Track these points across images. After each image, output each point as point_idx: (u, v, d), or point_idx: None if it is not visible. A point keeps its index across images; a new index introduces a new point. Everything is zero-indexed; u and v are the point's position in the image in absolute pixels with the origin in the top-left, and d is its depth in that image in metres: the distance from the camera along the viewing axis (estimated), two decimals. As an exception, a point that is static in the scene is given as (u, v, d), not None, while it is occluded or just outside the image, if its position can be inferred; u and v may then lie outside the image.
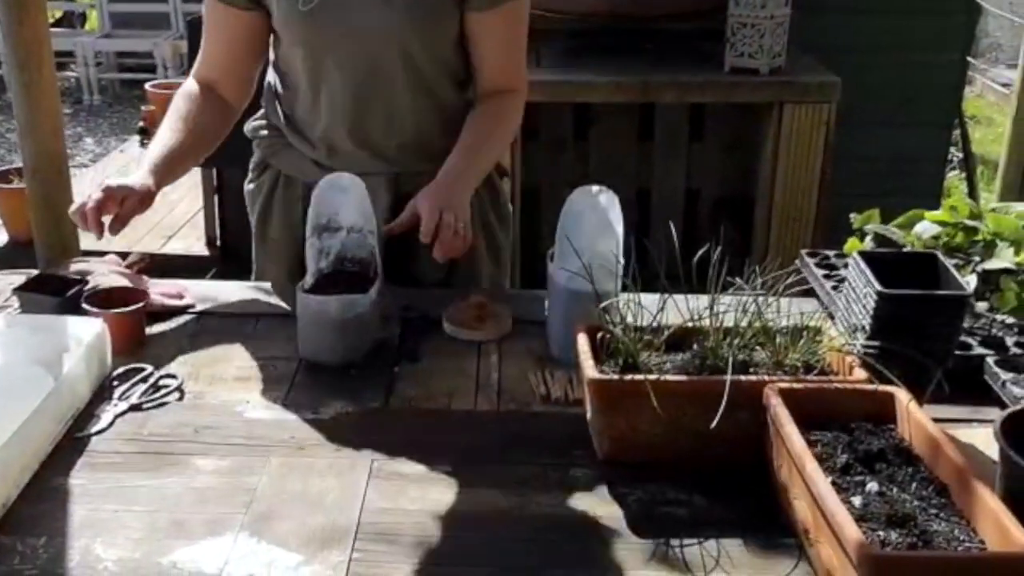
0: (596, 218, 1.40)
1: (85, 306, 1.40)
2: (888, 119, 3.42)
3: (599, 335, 1.23)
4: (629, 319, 1.21)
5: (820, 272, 1.61)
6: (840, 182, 2.82)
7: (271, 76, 1.67)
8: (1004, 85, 6.88)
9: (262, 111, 1.72)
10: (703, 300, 1.22)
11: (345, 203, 1.45)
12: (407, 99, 1.57)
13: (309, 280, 1.44)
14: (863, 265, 1.20)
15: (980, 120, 6.71)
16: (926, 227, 1.59)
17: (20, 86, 1.73)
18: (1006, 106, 5.87)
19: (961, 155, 4.39)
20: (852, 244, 1.58)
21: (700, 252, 1.20)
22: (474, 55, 1.58)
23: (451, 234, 1.42)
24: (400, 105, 1.58)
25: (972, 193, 3.91)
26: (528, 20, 1.61)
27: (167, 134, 1.55)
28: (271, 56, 1.64)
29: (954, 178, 5.17)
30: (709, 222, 3.34)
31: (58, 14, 7.94)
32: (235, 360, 1.41)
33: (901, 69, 3.38)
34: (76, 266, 1.56)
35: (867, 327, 1.18)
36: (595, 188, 1.43)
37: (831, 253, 1.69)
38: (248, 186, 1.76)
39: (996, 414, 1.22)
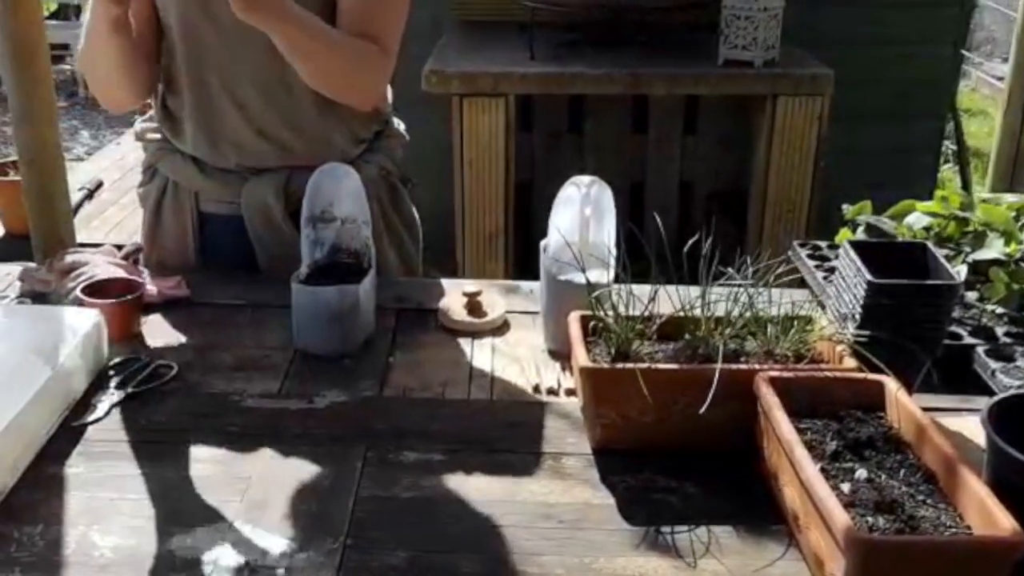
0: (588, 208, 1.41)
1: (81, 296, 1.40)
2: (882, 112, 3.43)
3: (591, 324, 1.24)
4: (621, 308, 1.22)
5: (812, 263, 1.62)
6: (834, 175, 2.83)
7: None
8: (999, 79, 6.89)
9: (150, 112, 1.71)
10: (695, 290, 1.23)
11: (339, 194, 1.46)
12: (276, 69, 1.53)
13: (304, 271, 1.45)
14: (853, 254, 1.21)
15: (975, 113, 6.73)
16: (917, 218, 1.60)
17: (15, 77, 1.74)
18: (1000, 98, 5.89)
19: (955, 148, 4.41)
20: (844, 235, 1.59)
21: (691, 241, 1.21)
22: (337, 9, 1.51)
23: None
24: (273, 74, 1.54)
25: (966, 186, 3.93)
26: (399, 2, 1.55)
27: None
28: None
29: (948, 171, 5.18)
30: (703, 215, 3.35)
31: (53, 6, 7.92)
32: (231, 349, 1.42)
33: (895, 62, 3.39)
34: (72, 257, 1.56)
35: (857, 316, 1.19)
36: (587, 179, 1.44)
37: (823, 244, 1.70)
38: (138, 189, 1.76)
39: (985, 403, 1.24)
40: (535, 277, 1.50)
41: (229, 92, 1.56)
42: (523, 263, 2.85)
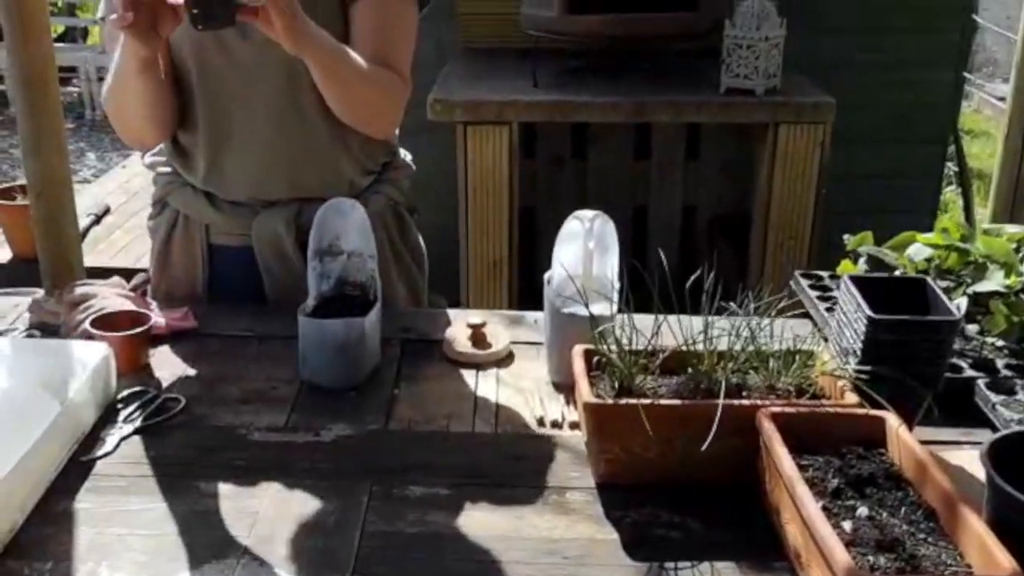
0: (592, 242, 1.42)
1: (90, 329, 1.42)
2: (884, 136, 3.45)
3: (595, 359, 1.25)
4: (624, 342, 1.23)
5: (814, 293, 1.63)
6: (836, 198, 2.84)
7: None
8: (1000, 99, 6.92)
9: (160, 146, 1.72)
10: (697, 321, 1.24)
11: (346, 228, 1.48)
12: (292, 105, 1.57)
13: (310, 303, 1.47)
14: (854, 290, 1.22)
15: (977, 134, 6.75)
16: (918, 249, 1.61)
17: (25, 106, 1.76)
18: (1002, 119, 5.90)
19: (957, 170, 4.42)
20: (845, 267, 1.61)
21: (694, 276, 1.22)
22: (351, 39, 1.55)
23: None
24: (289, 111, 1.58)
25: (968, 209, 3.94)
26: (410, 32, 1.60)
27: None
28: None
29: (951, 193, 5.20)
30: (706, 239, 3.37)
31: (60, 29, 7.99)
32: (238, 382, 1.43)
33: (896, 86, 3.41)
34: (81, 289, 1.58)
35: (858, 351, 1.20)
36: (591, 213, 1.45)
37: (825, 274, 1.71)
38: (148, 221, 1.77)
39: (986, 436, 1.25)
40: (539, 303, 1.51)
41: (241, 126, 1.58)
42: (527, 289, 2.87)
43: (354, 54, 1.50)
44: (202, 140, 1.61)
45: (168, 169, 1.69)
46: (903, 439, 1.09)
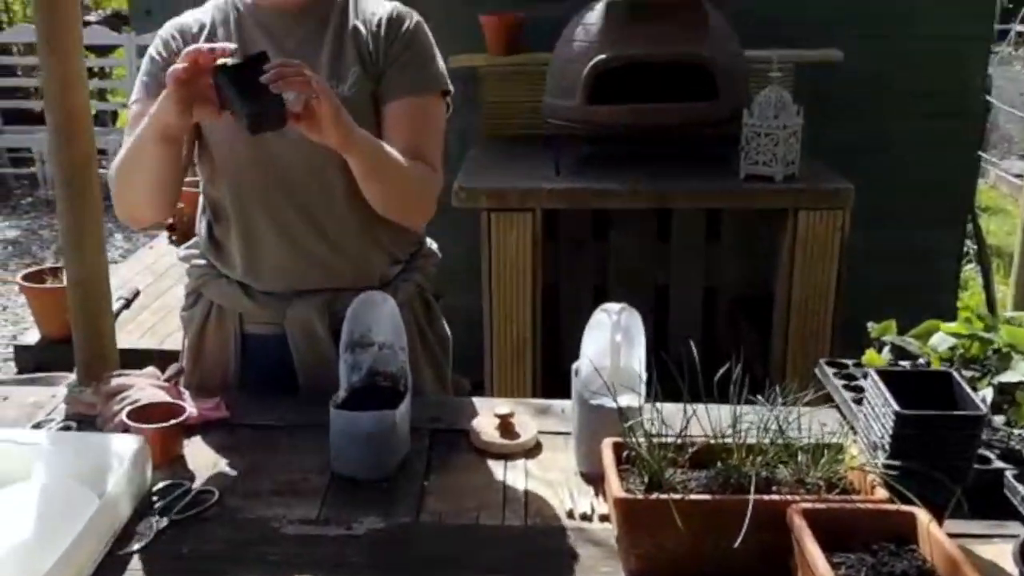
0: (619, 335, 1.45)
1: (127, 421, 1.45)
2: (902, 217, 3.49)
3: (624, 452, 1.26)
4: (653, 433, 1.24)
5: (839, 382, 1.64)
6: (857, 279, 2.86)
7: (202, 206, 1.73)
8: (1017, 176, 6.97)
9: (194, 239, 1.78)
10: (724, 411, 1.25)
11: (378, 320, 1.51)
12: (328, 197, 1.63)
13: (341, 395, 1.49)
14: (881, 385, 1.23)
15: (995, 211, 6.77)
16: (942, 339, 1.63)
17: (67, 201, 1.80)
18: (1020, 196, 5.93)
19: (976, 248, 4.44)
20: (870, 356, 1.62)
21: (722, 370, 1.24)
22: (386, 136, 1.60)
23: (298, 74, 1.38)
24: (324, 205, 1.63)
25: (988, 288, 3.94)
26: (440, 127, 1.67)
27: None
28: (200, 183, 1.72)
29: (971, 271, 5.20)
30: (727, 320, 3.38)
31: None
32: (270, 473, 1.45)
33: (914, 168, 3.46)
34: (117, 380, 1.61)
35: (887, 445, 1.21)
36: (617, 306, 1.48)
37: (849, 362, 1.72)
38: (182, 312, 1.81)
39: (1016, 528, 1.25)
40: (563, 383, 1.53)
41: (275, 221, 1.64)
42: (550, 369, 2.88)
43: (392, 150, 1.55)
44: (235, 235, 1.66)
45: (203, 262, 1.74)
46: (934, 535, 1.09)
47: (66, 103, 1.74)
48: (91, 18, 8.24)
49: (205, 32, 1.64)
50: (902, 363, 1.62)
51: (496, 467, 1.48)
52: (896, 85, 3.39)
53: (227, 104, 1.38)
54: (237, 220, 1.65)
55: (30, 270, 4.28)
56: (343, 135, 1.44)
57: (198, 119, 1.45)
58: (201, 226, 1.73)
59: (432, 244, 1.85)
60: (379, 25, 1.64)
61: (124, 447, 1.35)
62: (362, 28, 1.63)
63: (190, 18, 1.67)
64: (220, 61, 1.38)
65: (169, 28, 1.67)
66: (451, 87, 1.69)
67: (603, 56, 2.69)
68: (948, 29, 3.38)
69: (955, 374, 1.28)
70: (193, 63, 1.38)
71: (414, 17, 1.68)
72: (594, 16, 2.81)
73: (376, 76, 1.62)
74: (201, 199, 1.74)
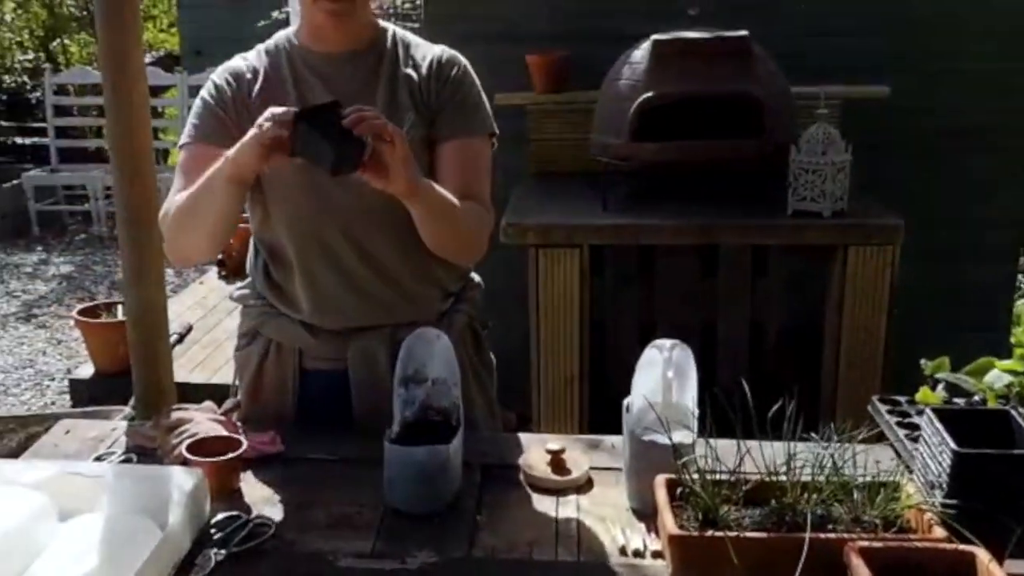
0: (671, 372, 1.45)
1: (186, 455, 1.48)
2: (954, 252, 3.45)
3: (677, 489, 1.26)
4: (706, 469, 1.24)
5: (893, 419, 1.63)
6: (908, 315, 2.84)
7: (255, 248, 1.76)
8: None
9: (248, 279, 1.80)
10: (777, 447, 1.25)
11: (431, 356, 1.53)
12: (388, 242, 1.67)
13: (395, 429, 1.51)
14: (937, 423, 1.23)
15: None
16: (997, 376, 1.61)
17: (128, 240, 1.87)
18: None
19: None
20: (924, 394, 1.60)
21: (775, 407, 1.24)
22: (439, 178, 1.64)
23: (376, 118, 1.42)
24: (383, 246, 1.67)
25: (1042, 323, 3.87)
26: (489, 166, 1.71)
27: None
28: (252, 227, 1.74)
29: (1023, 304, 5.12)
30: (775, 355, 3.36)
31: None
32: (325, 506, 1.46)
33: (965, 202, 3.43)
34: (175, 414, 1.65)
35: (944, 484, 1.20)
36: (669, 342, 1.48)
37: (903, 399, 1.71)
38: (237, 353, 1.83)
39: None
40: (610, 421, 1.53)
41: (336, 265, 1.68)
42: (597, 403, 2.88)
43: (447, 193, 1.59)
44: (298, 279, 1.70)
45: (259, 301, 1.77)
46: (994, 574, 1.08)
47: (130, 145, 1.81)
48: (145, 59, 8.46)
49: (260, 78, 1.67)
50: (957, 400, 1.60)
51: (548, 503, 1.49)
52: (945, 120, 3.37)
53: (300, 149, 1.41)
54: (298, 265, 1.69)
55: (85, 305, 4.39)
56: (410, 182, 1.47)
57: (273, 165, 1.47)
58: (256, 268, 1.77)
59: (475, 275, 1.89)
60: (430, 68, 1.68)
61: (184, 480, 1.38)
62: (413, 73, 1.67)
63: (242, 64, 1.70)
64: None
65: (222, 73, 1.69)
66: (497, 129, 1.74)
67: (649, 94, 2.71)
68: (997, 62, 3.36)
69: (1013, 412, 1.27)
70: (284, 125, 1.40)
71: (462, 61, 1.72)
72: (640, 54, 2.83)
73: (428, 119, 1.66)
74: (253, 241, 1.77)
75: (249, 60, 1.70)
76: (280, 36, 1.72)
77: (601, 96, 2.94)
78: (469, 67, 1.73)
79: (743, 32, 2.74)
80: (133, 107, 1.80)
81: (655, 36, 2.78)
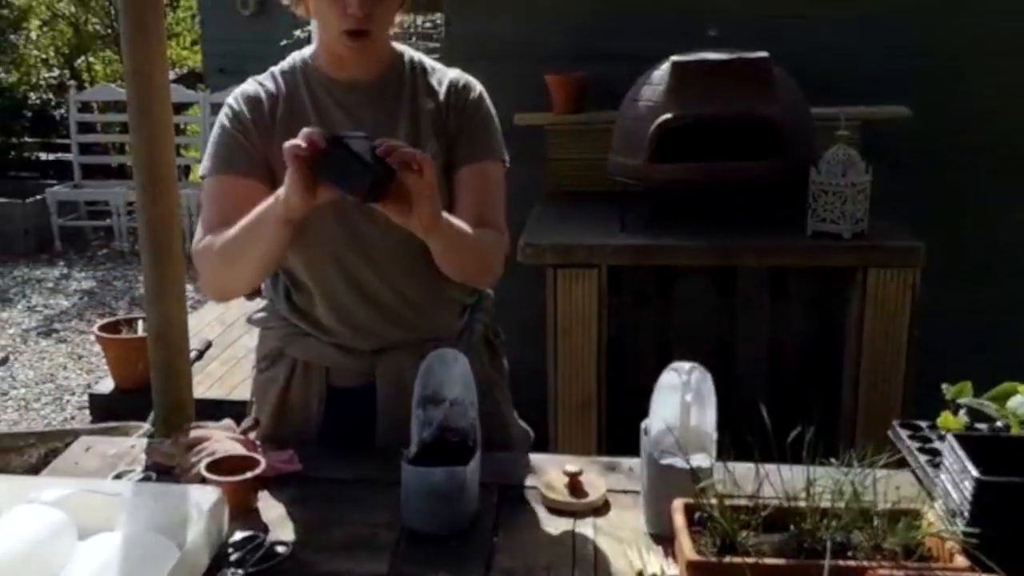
0: (690, 395, 1.45)
1: (205, 473, 1.48)
2: (975, 274, 3.42)
3: (696, 514, 1.26)
4: (723, 491, 1.24)
5: (914, 445, 1.61)
6: (929, 337, 2.81)
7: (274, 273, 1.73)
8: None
9: (266, 303, 1.80)
10: (797, 471, 1.24)
11: (449, 377, 1.53)
12: (406, 265, 1.67)
13: (412, 449, 1.51)
14: (959, 450, 1.21)
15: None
16: (1020, 401, 1.59)
17: (151, 257, 1.88)
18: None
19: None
20: (946, 420, 1.59)
21: (794, 434, 1.23)
22: (456, 204, 1.65)
23: (405, 147, 1.42)
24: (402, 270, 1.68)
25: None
26: (504, 190, 1.72)
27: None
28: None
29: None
30: (794, 377, 3.34)
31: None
32: (341, 527, 1.47)
33: (985, 224, 3.40)
34: (194, 432, 1.65)
35: (966, 512, 1.19)
36: (688, 365, 1.48)
37: (924, 424, 1.69)
38: (258, 376, 1.82)
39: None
40: (626, 442, 1.53)
41: (360, 291, 1.69)
42: (613, 426, 2.87)
43: (463, 224, 1.59)
44: (321, 304, 1.70)
45: (280, 323, 1.77)
46: (1019, 606, 1.07)
47: (153, 163, 1.83)
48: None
49: (280, 102, 1.65)
50: (979, 426, 1.59)
51: (565, 525, 1.48)
52: (965, 140, 3.35)
53: (331, 173, 1.40)
54: (321, 291, 1.69)
55: (106, 321, 4.42)
56: (433, 216, 1.46)
57: (322, 199, 1.44)
58: (276, 293, 1.76)
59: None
60: (448, 94, 1.69)
61: (202, 499, 1.38)
62: (432, 100, 1.68)
63: (259, 88, 1.67)
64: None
65: (239, 98, 1.66)
66: (508, 157, 1.75)
67: (668, 115, 2.71)
68: (1018, 82, 3.34)
69: (1036, 441, 1.26)
70: (312, 143, 1.39)
71: (478, 86, 1.73)
72: (660, 75, 2.84)
73: (447, 146, 1.67)
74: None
75: (265, 84, 1.68)
76: (295, 59, 1.71)
77: (620, 116, 2.95)
78: (484, 93, 1.74)
79: (763, 53, 2.74)
80: (157, 125, 1.82)
81: (674, 57, 2.79)
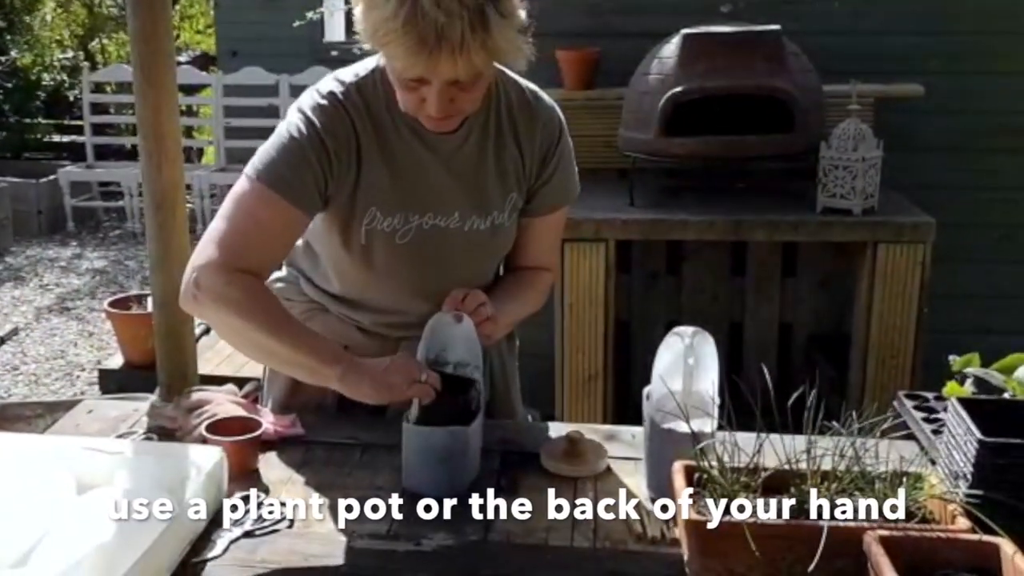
0: (691, 359, 1.44)
1: (205, 434, 1.48)
2: (984, 255, 3.40)
3: (696, 475, 1.25)
4: (726, 459, 1.23)
5: (919, 415, 1.60)
6: (938, 318, 2.80)
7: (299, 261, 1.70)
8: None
9: (286, 271, 1.72)
10: (799, 440, 1.23)
11: (453, 339, 1.52)
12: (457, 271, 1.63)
13: (414, 412, 1.50)
14: (963, 412, 1.20)
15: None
16: (1028, 372, 1.58)
17: (155, 225, 1.87)
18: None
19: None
20: (952, 388, 1.57)
21: (795, 394, 1.22)
22: (519, 245, 1.67)
23: (476, 304, 1.50)
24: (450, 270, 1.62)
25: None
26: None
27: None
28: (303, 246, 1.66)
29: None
30: (803, 356, 3.33)
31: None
32: (342, 489, 1.46)
33: (997, 205, 3.38)
34: (197, 395, 1.65)
35: (969, 475, 1.18)
36: (690, 329, 1.47)
37: (930, 395, 1.68)
38: None
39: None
40: (632, 417, 1.52)
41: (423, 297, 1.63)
42: (620, 404, 2.87)
43: (521, 295, 1.67)
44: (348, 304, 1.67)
45: (301, 298, 1.70)
46: (1019, 567, 1.05)
47: (158, 131, 1.82)
48: (181, 58, 8.57)
49: (364, 135, 1.50)
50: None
51: (565, 490, 1.47)
52: (978, 120, 3.33)
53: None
54: (380, 306, 1.66)
55: (116, 297, 4.44)
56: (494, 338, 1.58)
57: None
58: (298, 274, 1.71)
59: None
60: (532, 144, 1.60)
61: (202, 458, 1.38)
62: (517, 150, 1.59)
63: (338, 123, 1.48)
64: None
65: (321, 131, 1.47)
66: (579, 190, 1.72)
67: (679, 88, 2.69)
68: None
69: (1042, 404, 1.24)
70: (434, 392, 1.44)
71: (558, 118, 1.64)
72: (670, 49, 2.82)
73: (528, 194, 1.63)
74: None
75: (348, 108, 1.49)
76: (375, 74, 1.51)
77: (630, 91, 2.93)
78: (565, 125, 1.64)
79: (775, 27, 2.72)
80: (162, 92, 1.81)
81: (685, 30, 2.77)
